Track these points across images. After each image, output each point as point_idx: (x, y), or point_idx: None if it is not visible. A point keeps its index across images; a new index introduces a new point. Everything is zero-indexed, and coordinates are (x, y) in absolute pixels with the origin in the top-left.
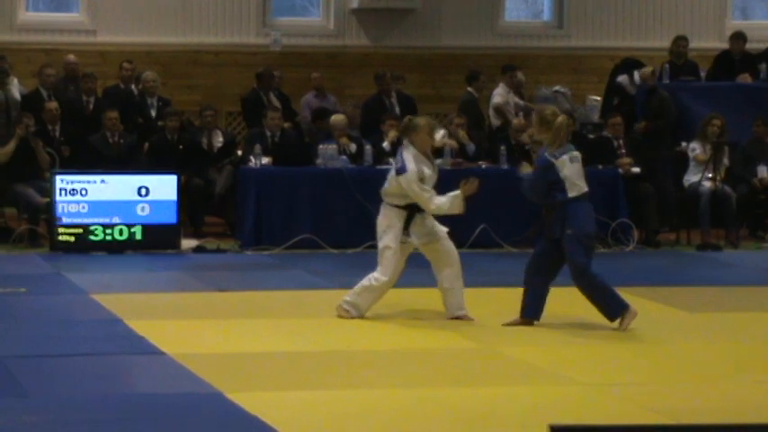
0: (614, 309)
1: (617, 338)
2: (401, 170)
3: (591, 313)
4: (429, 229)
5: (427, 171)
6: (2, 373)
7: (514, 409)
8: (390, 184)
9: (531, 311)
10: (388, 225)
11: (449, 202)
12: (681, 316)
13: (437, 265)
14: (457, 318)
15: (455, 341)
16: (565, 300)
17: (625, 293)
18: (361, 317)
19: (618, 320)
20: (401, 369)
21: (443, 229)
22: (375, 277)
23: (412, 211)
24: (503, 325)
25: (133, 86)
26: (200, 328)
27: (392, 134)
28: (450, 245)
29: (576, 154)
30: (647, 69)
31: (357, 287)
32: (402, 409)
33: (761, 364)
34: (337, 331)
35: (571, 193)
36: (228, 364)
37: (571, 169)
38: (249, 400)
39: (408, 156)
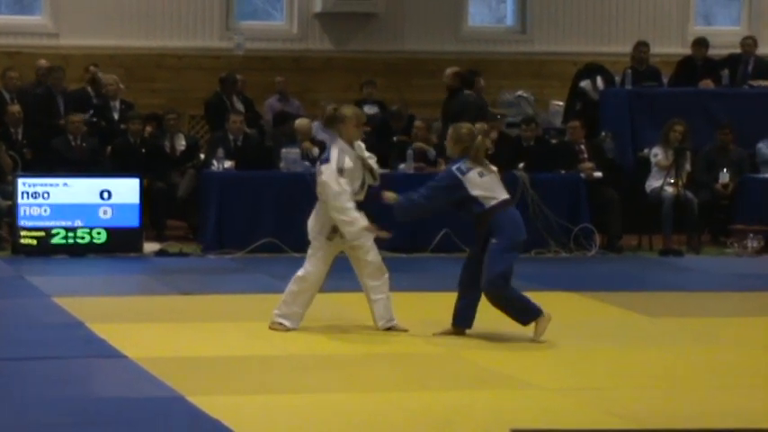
0: (525, 316)
1: (579, 343)
2: (325, 161)
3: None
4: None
5: (349, 164)
6: None
7: (477, 413)
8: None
9: (462, 320)
10: (320, 226)
11: (357, 225)
12: (642, 321)
13: (360, 274)
14: (388, 329)
15: (419, 345)
16: None
17: (586, 298)
18: (296, 328)
19: (533, 325)
20: (365, 373)
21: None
22: (300, 277)
23: None
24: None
25: (89, 88)
26: (163, 331)
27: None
28: (374, 256)
29: (492, 168)
30: (450, 70)
31: (285, 296)
32: (366, 413)
33: (722, 370)
34: (300, 335)
35: (489, 204)
36: (190, 368)
37: (481, 183)
38: (211, 404)
39: (334, 148)
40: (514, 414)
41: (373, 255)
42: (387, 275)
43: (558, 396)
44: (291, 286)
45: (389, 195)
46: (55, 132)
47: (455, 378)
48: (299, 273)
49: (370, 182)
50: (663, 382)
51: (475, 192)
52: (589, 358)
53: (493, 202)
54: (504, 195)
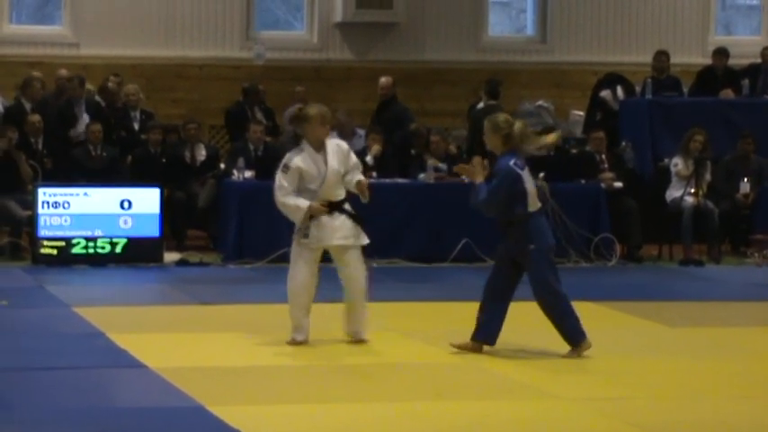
0: (575, 335)
1: (599, 353)
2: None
3: None
4: (329, 234)
5: (299, 164)
6: None
7: (497, 423)
8: None
9: (483, 334)
10: (297, 227)
11: (294, 206)
12: (662, 331)
13: (342, 283)
14: (358, 341)
15: (439, 355)
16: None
17: (607, 308)
18: (307, 337)
19: (574, 348)
20: (383, 383)
21: (351, 243)
22: (288, 287)
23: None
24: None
25: (98, 98)
26: (183, 341)
27: (376, 148)
28: (353, 271)
29: (527, 168)
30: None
31: (289, 311)
32: (384, 423)
33: (742, 380)
34: (319, 345)
35: (532, 208)
36: (211, 378)
37: (531, 183)
38: (231, 414)
39: (293, 152)
40: (536, 424)
41: (354, 266)
42: (363, 289)
43: (580, 406)
44: (292, 299)
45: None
46: (74, 142)
47: (477, 388)
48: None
49: (361, 196)
50: (683, 391)
51: (528, 187)
52: (610, 368)
53: (534, 208)
54: (539, 203)
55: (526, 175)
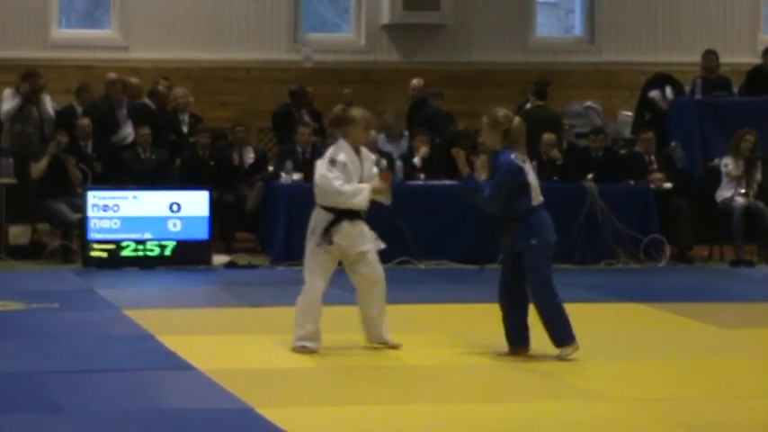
0: (563, 336)
1: (650, 355)
2: (319, 155)
3: (620, 328)
4: (353, 241)
5: (343, 158)
6: (36, 388)
7: (547, 425)
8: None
9: (518, 341)
10: (312, 228)
11: (354, 190)
12: (713, 332)
13: (357, 287)
14: (382, 344)
15: (485, 357)
16: (594, 315)
17: (656, 309)
18: (319, 347)
19: (560, 349)
20: (433, 384)
21: (371, 248)
22: (304, 291)
23: (339, 216)
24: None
25: (148, 100)
26: (231, 343)
27: (423, 150)
28: (372, 270)
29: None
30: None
31: (297, 317)
32: (436, 425)
33: None
34: (368, 346)
35: (535, 202)
36: (260, 380)
37: (534, 175)
38: (280, 416)
39: (334, 146)
40: (587, 426)
41: (372, 268)
42: (382, 292)
43: (630, 407)
44: (299, 304)
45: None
46: (118, 147)
47: (526, 390)
48: (303, 288)
49: (382, 201)
50: (734, 393)
51: (530, 180)
52: (660, 369)
53: (537, 202)
54: (541, 197)
55: (528, 167)
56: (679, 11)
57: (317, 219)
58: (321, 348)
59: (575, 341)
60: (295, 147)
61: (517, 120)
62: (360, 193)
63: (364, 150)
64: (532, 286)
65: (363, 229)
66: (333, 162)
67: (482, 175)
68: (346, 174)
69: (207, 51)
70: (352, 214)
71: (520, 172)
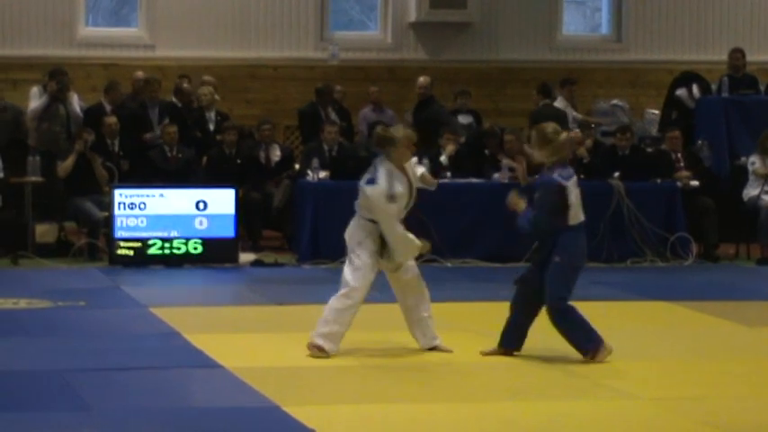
0: (583, 344)
1: (677, 353)
2: (371, 181)
3: (647, 327)
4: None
5: (399, 189)
6: (63, 386)
7: (574, 423)
8: (362, 196)
9: (509, 341)
10: (360, 239)
11: (407, 239)
12: (740, 330)
13: (399, 292)
14: (431, 349)
15: (511, 355)
16: (621, 313)
17: (683, 308)
18: (336, 350)
19: (589, 355)
20: (460, 383)
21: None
22: (344, 294)
23: None
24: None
25: (174, 99)
26: (258, 341)
27: (450, 148)
28: (413, 274)
29: (575, 178)
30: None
31: (326, 314)
32: (460, 423)
33: None
34: (394, 345)
35: (572, 222)
36: (286, 378)
37: (576, 195)
38: (307, 414)
39: (382, 170)
40: (612, 424)
41: (413, 272)
42: (427, 293)
43: (656, 406)
44: (334, 303)
45: (516, 202)
46: (148, 146)
47: (553, 388)
48: (343, 290)
49: (429, 187)
50: (761, 392)
51: (572, 200)
52: (687, 368)
53: (576, 221)
54: (583, 216)
55: (572, 185)
56: (706, 9)
57: (365, 231)
58: (336, 352)
59: (601, 343)
60: (321, 145)
61: (564, 134)
62: (412, 248)
63: (409, 164)
64: (548, 300)
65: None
66: (392, 198)
67: (520, 207)
68: (399, 204)
69: (233, 49)
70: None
71: (562, 191)
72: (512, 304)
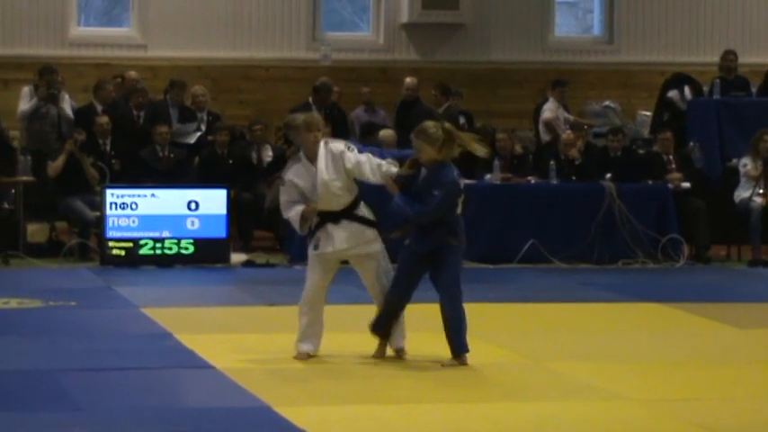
0: (461, 346)
1: (667, 355)
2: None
3: (638, 328)
4: (335, 244)
5: (297, 180)
6: (53, 386)
7: (564, 424)
8: None
9: (380, 327)
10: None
11: (294, 216)
12: (731, 332)
13: (369, 288)
14: (397, 352)
15: (503, 356)
16: (612, 315)
17: (674, 309)
18: (316, 350)
19: (453, 359)
20: (452, 384)
21: (363, 252)
22: (302, 296)
23: (323, 219)
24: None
25: (167, 97)
26: (250, 342)
27: None
28: (369, 281)
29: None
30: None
31: (299, 319)
32: (452, 424)
33: None
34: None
35: (458, 210)
36: (278, 378)
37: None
38: (298, 415)
39: (290, 163)
40: (603, 425)
41: (381, 272)
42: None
43: (645, 408)
44: (299, 310)
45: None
46: (142, 143)
47: (544, 389)
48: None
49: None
50: (752, 393)
51: (463, 196)
52: (676, 370)
53: (460, 210)
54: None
55: (461, 182)
56: (698, 11)
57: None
58: (318, 349)
59: (467, 351)
60: None
61: (446, 126)
62: (297, 221)
63: (322, 151)
64: (446, 284)
65: (354, 230)
66: (282, 181)
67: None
68: (302, 192)
69: (225, 50)
70: (334, 216)
71: (459, 192)
72: (392, 296)
